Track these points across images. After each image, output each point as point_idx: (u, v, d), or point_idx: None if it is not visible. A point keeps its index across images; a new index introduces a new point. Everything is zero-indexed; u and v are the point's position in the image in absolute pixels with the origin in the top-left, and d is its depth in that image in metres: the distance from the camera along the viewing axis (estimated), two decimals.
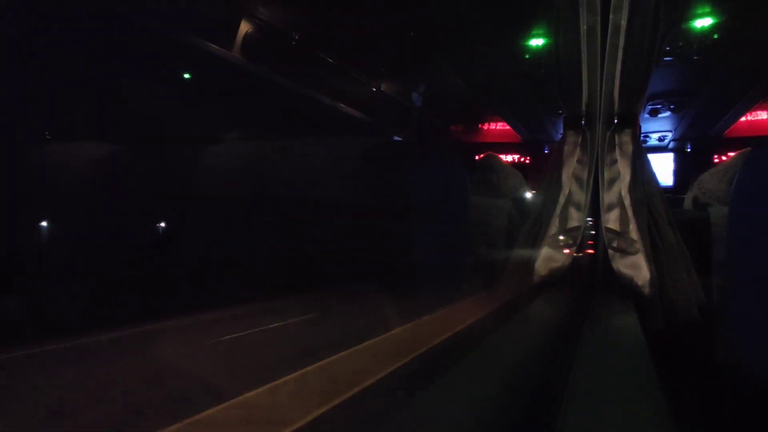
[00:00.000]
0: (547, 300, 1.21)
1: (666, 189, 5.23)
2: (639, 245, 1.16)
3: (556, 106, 4.08)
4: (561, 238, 1.31)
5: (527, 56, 3.63)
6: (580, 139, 1.32)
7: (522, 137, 5.98)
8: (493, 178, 1.90)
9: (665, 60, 3.45)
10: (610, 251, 1.21)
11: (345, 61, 4.06)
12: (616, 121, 1.26)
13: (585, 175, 1.31)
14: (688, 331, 1.13)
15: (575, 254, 1.30)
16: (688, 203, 1.61)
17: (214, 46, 3.11)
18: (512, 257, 1.40)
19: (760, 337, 0.98)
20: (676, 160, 5.67)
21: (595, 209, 1.30)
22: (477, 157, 2.06)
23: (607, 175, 1.26)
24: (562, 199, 1.32)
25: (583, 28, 1.21)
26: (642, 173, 1.23)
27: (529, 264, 1.32)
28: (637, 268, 1.16)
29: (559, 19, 1.25)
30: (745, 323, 1.03)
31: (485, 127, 6.29)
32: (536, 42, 3.46)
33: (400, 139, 5.33)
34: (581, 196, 1.31)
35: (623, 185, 1.22)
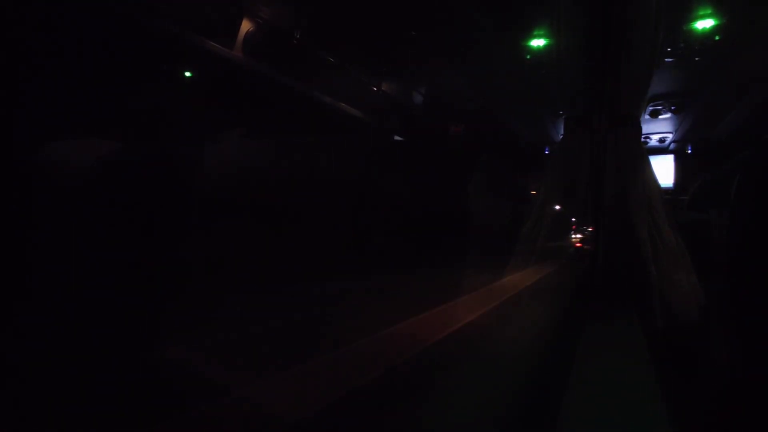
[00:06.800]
0: (547, 300, 1.21)
1: (666, 191, 5.23)
2: (639, 246, 1.16)
3: (556, 107, 4.08)
4: (560, 238, 1.31)
5: (528, 57, 3.63)
6: (580, 140, 1.32)
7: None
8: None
9: (666, 61, 3.44)
10: (610, 252, 1.21)
11: (346, 60, 4.06)
12: (617, 122, 1.26)
13: (585, 176, 1.31)
14: (687, 332, 1.13)
15: (575, 254, 1.30)
16: (688, 205, 1.62)
17: (215, 44, 3.11)
18: (514, 254, 1.40)
19: (758, 338, 0.98)
20: (677, 162, 5.67)
21: (595, 210, 1.30)
22: None
23: (607, 176, 1.26)
24: (561, 200, 1.33)
25: (584, 29, 1.21)
26: (643, 175, 1.23)
27: (529, 261, 1.33)
28: (637, 269, 1.16)
29: (560, 20, 1.25)
30: (744, 325, 1.04)
31: None
32: (537, 43, 3.46)
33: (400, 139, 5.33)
34: (582, 197, 1.31)
35: (624, 187, 1.22)
